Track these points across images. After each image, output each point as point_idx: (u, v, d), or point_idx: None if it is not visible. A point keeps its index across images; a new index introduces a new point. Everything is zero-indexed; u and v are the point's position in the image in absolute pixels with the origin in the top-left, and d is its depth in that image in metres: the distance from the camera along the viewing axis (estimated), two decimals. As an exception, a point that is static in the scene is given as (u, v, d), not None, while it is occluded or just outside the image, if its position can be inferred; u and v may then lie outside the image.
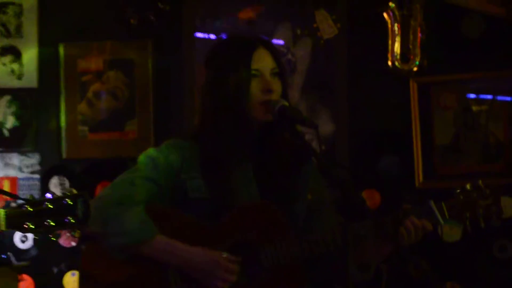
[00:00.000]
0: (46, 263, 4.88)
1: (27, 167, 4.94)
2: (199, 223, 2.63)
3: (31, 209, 2.35)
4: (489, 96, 4.59)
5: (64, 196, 2.36)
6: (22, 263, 4.80)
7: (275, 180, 2.70)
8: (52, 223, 2.34)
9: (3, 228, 2.35)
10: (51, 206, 2.35)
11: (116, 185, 2.68)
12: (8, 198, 4.52)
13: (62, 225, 2.36)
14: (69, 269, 4.82)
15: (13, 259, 4.82)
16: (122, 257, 2.61)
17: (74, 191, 2.33)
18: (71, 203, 2.35)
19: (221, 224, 2.63)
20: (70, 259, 4.83)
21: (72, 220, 2.35)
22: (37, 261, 4.85)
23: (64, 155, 4.94)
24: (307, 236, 2.63)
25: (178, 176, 2.67)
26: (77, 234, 4.54)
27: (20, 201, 2.36)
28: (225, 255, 2.58)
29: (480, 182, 2.69)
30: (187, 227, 2.64)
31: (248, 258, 2.61)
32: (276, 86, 2.67)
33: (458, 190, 2.69)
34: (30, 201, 2.37)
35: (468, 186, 2.69)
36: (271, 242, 2.61)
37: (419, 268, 4.50)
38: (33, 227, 2.34)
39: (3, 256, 4.78)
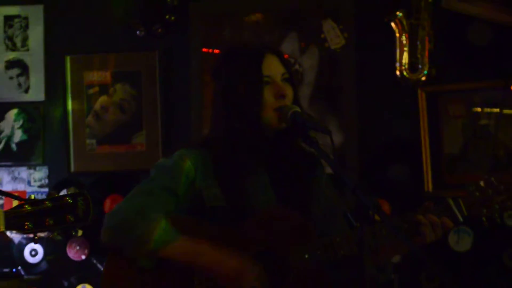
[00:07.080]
0: (56, 277, 4.86)
1: (36, 181, 4.93)
2: (221, 232, 2.63)
3: (30, 208, 2.35)
4: (498, 106, 4.55)
5: (64, 194, 2.38)
6: (32, 277, 4.80)
7: (291, 185, 2.70)
8: (51, 222, 2.35)
9: (2, 228, 2.33)
10: (50, 205, 2.36)
11: (134, 195, 2.66)
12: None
13: (62, 223, 2.37)
14: (79, 282, 4.81)
15: (23, 273, 4.82)
16: (149, 265, 2.58)
17: (75, 190, 2.37)
18: (71, 201, 2.37)
19: (243, 232, 2.63)
20: (80, 272, 4.83)
21: (71, 219, 2.37)
22: (47, 274, 4.85)
23: (72, 169, 4.92)
24: (330, 239, 2.61)
25: (193, 185, 2.67)
26: (78, 234, 4.53)
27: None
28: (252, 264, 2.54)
29: (493, 178, 2.72)
30: (209, 236, 2.62)
31: (273, 266, 2.59)
32: (288, 91, 2.69)
33: (472, 188, 2.71)
34: (29, 201, 2.36)
35: (481, 183, 2.71)
36: (296, 247, 2.59)
37: (432, 278, 4.47)
38: (31, 226, 2.34)
39: (13, 270, 4.78)
